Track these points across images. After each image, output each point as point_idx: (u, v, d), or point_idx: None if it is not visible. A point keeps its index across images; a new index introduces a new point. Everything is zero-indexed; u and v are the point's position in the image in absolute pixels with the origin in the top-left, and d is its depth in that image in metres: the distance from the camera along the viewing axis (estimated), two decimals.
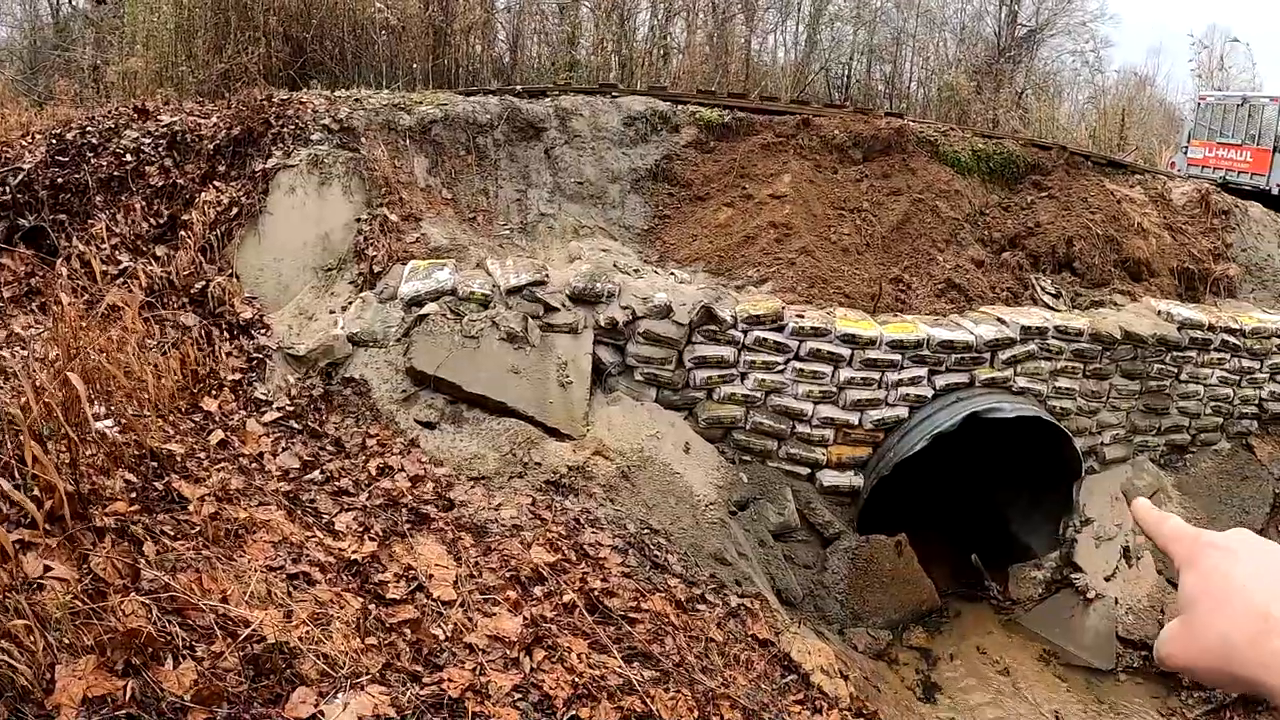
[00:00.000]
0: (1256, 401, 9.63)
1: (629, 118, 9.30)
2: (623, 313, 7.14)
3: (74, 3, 19.03)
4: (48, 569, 3.78)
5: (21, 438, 4.08)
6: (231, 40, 11.25)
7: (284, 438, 6.19)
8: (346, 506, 5.63)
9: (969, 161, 10.10)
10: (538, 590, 5.24)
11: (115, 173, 7.94)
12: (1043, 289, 9.33)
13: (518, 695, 4.43)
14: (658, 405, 7.34)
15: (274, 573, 4.66)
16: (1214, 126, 16.96)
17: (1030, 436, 8.42)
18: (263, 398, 6.54)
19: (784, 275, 8.12)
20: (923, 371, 7.86)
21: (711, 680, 5.25)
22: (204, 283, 7.22)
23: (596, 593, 5.38)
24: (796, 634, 6.40)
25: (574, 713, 4.45)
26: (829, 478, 7.73)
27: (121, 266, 7.30)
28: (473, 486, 6.13)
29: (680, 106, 9.66)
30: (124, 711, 3.36)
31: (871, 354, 7.62)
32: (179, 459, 5.33)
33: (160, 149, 8.14)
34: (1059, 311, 8.98)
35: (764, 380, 7.49)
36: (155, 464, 5.17)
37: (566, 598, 5.22)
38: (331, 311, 7.21)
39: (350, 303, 7.20)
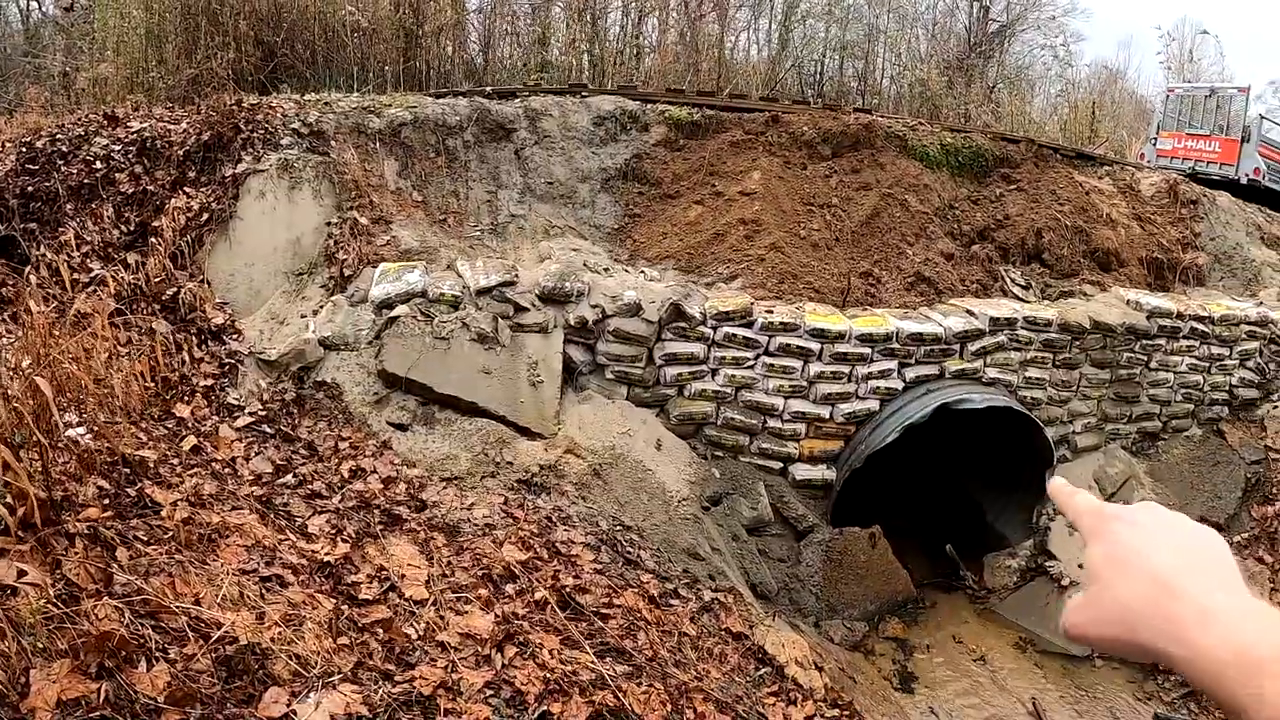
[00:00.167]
0: (1227, 388, 9.74)
1: (599, 117, 9.34)
2: (592, 311, 7.18)
3: (44, 9, 18.93)
4: (21, 574, 3.80)
5: None
6: (201, 45, 11.21)
7: (257, 442, 6.20)
8: (319, 509, 5.65)
9: (938, 155, 10.18)
10: (510, 588, 5.28)
11: (85, 180, 7.93)
12: (1012, 280, 9.41)
13: (489, 692, 4.47)
14: (629, 403, 7.38)
15: (247, 575, 4.69)
16: (1183, 118, 17.11)
17: (1002, 427, 8.51)
18: (235, 403, 6.55)
19: (754, 271, 8.18)
20: (893, 364, 7.93)
21: (685, 674, 5.29)
22: (175, 289, 7.21)
23: (569, 589, 5.41)
24: (771, 627, 6.44)
25: (545, 708, 4.49)
26: (801, 472, 7.79)
27: (93, 274, 7.28)
28: (445, 487, 6.16)
29: (650, 105, 9.70)
30: (98, 714, 3.38)
31: (841, 348, 7.68)
32: (152, 465, 5.34)
33: (130, 156, 8.13)
34: (1028, 303, 9.07)
35: (734, 376, 7.54)
36: (128, 470, 5.18)
37: (538, 595, 5.25)
38: (303, 316, 7.22)
39: (321, 306, 7.22)
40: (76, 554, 4.11)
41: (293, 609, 4.51)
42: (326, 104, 8.63)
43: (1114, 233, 10.36)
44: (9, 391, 4.64)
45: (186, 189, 7.88)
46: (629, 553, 6.19)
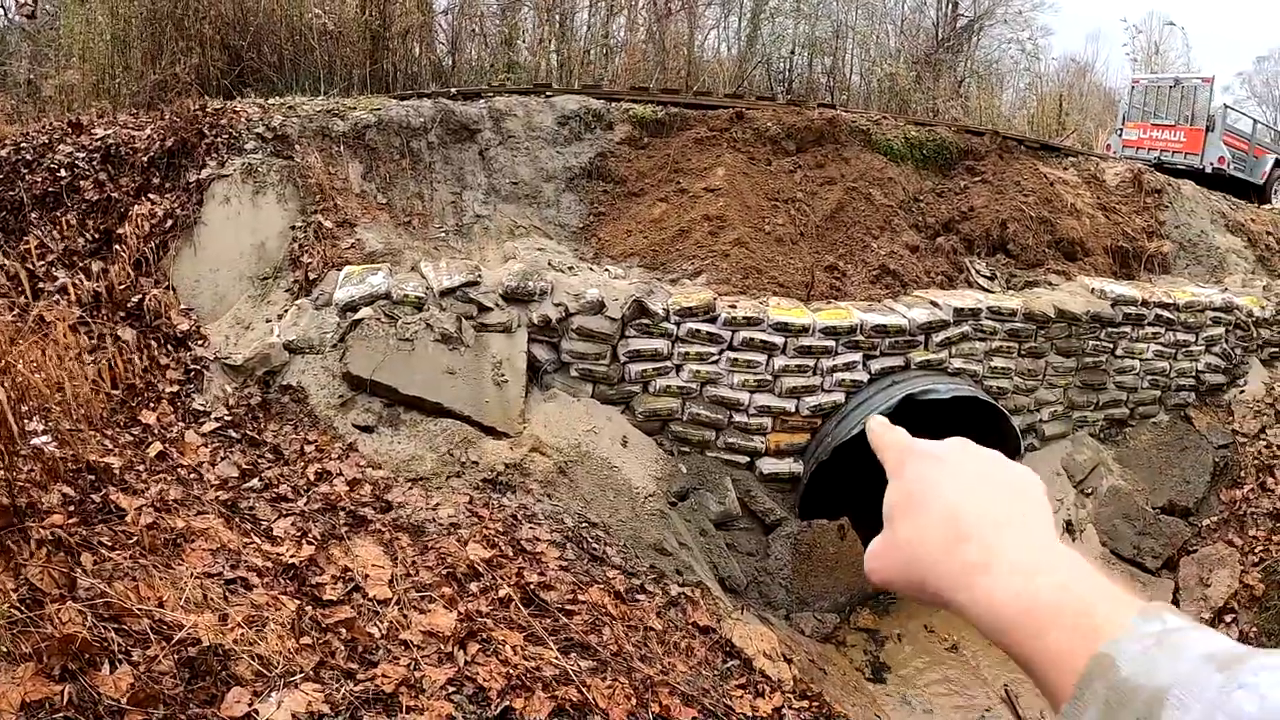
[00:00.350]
0: (1193, 374, 9.84)
1: (563, 117, 9.36)
2: (556, 310, 7.20)
3: (9, 16, 18.80)
4: None
5: None
6: (167, 50, 11.17)
7: (222, 447, 6.22)
8: (285, 512, 5.67)
9: (902, 149, 10.25)
10: (473, 586, 5.31)
11: (50, 189, 7.91)
12: (977, 271, 9.49)
13: (451, 689, 4.50)
14: (594, 400, 7.41)
15: (211, 579, 4.71)
16: (1148, 108, 17.29)
17: (970, 417, 8.57)
18: (201, 408, 6.56)
19: (718, 267, 8.22)
20: (857, 357, 7.98)
21: (650, 668, 5.33)
22: (140, 296, 7.21)
23: (533, 586, 5.45)
24: (739, 620, 6.49)
25: (508, 703, 4.52)
26: (768, 465, 7.83)
27: (57, 282, 7.28)
28: (411, 487, 6.19)
29: (614, 104, 9.73)
30: (62, 715, 3.41)
31: (805, 341, 7.73)
32: (117, 471, 5.36)
33: (94, 163, 8.11)
34: (993, 293, 9.14)
35: (699, 371, 7.58)
36: (93, 477, 5.20)
37: (502, 592, 5.28)
38: (268, 320, 7.23)
39: (286, 310, 7.23)
40: (40, 559, 4.13)
41: (256, 610, 4.54)
42: (291, 108, 8.63)
43: (1079, 222, 10.45)
44: None
45: (151, 195, 7.87)
46: (595, 549, 6.23)
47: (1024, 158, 11.04)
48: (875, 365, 8.08)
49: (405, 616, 4.91)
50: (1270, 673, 0.62)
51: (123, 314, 7.12)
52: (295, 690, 4.08)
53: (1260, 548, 8.58)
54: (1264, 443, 9.54)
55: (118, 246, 7.51)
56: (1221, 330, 9.86)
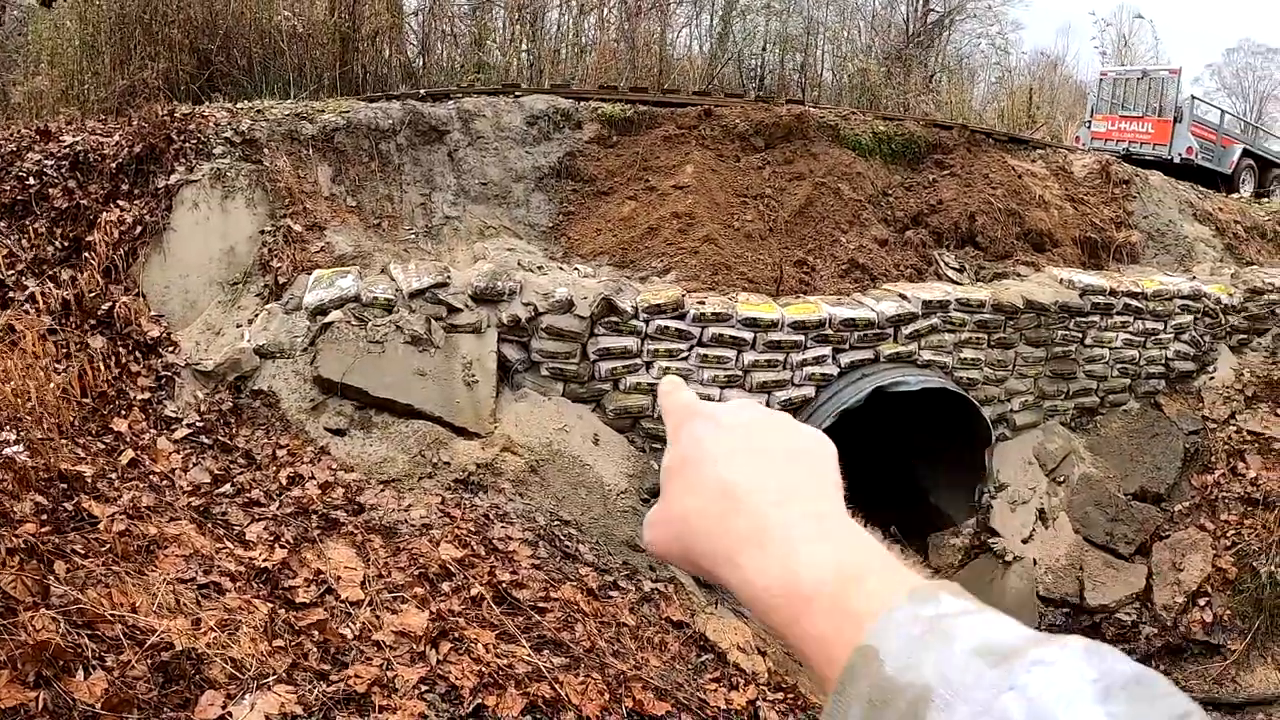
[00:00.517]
0: (1163, 361, 9.92)
1: (531, 116, 9.39)
2: (525, 309, 7.23)
3: None
4: None
5: None
6: (135, 55, 11.14)
7: (195, 453, 6.23)
8: (257, 517, 5.69)
9: (870, 144, 10.31)
10: (445, 586, 5.35)
11: (19, 197, 7.89)
12: (946, 264, 9.57)
13: (424, 687, 4.54)
14: (565, 399, 7.44)
15: (184, 584, 4.74)
16: (1116, 100, 17.46)
17: (942, 408, 8.65)
18: (173, 415, 6.57)
19: (687, 264, 8.27)
20: (827, 350, 8.04)
21: (623, 663, 5.37)
22: (110, 303, 7.20)
23: (505, 585, 5.49)
24: (712, 614, 6.53)
25: (480, 701, 4.56)
26: None
27: (27, 292, 7.27)
28: (383, 489, 6.22)
29: (583, 103, 9.77)
30: None
31: (774, 336, 7.78)
32: (89, 479, 5.38)
33: (63, 170, 8.10)
34: (962, 285, 9.22)
35: (668, 368, 7.60)
36: (65, 485, 5.22)
37: (474, 591, 5.32)
38: (238, 325, 7.24)
39: (256, 315, 7.24)
40: (13, 568, 4.15)
41: (229, 614, 4.56)
42: (259, 111, 8.63)
43: (1047, 214, 10.55)
44: None
45: (120, 202, 7.86)
46: (567, 547, 6.27)
47: (992, 151, 11.13)
48: (845, 359, 8.14)
49: (378, 617, 4.94)
50: (1043, 670, 0.56)
51: (93, 322, 7.11)
52: (268, 692, 4.12)
53: (1232, 531, 8.68)
54: (1234, 428, 9.64)
55: (87, 254, 7.50)
56: (1190, 318, 9.95)
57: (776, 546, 0.74)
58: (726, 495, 0.79)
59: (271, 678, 4.20)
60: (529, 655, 4.99)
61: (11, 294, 7.14)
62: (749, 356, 7.77)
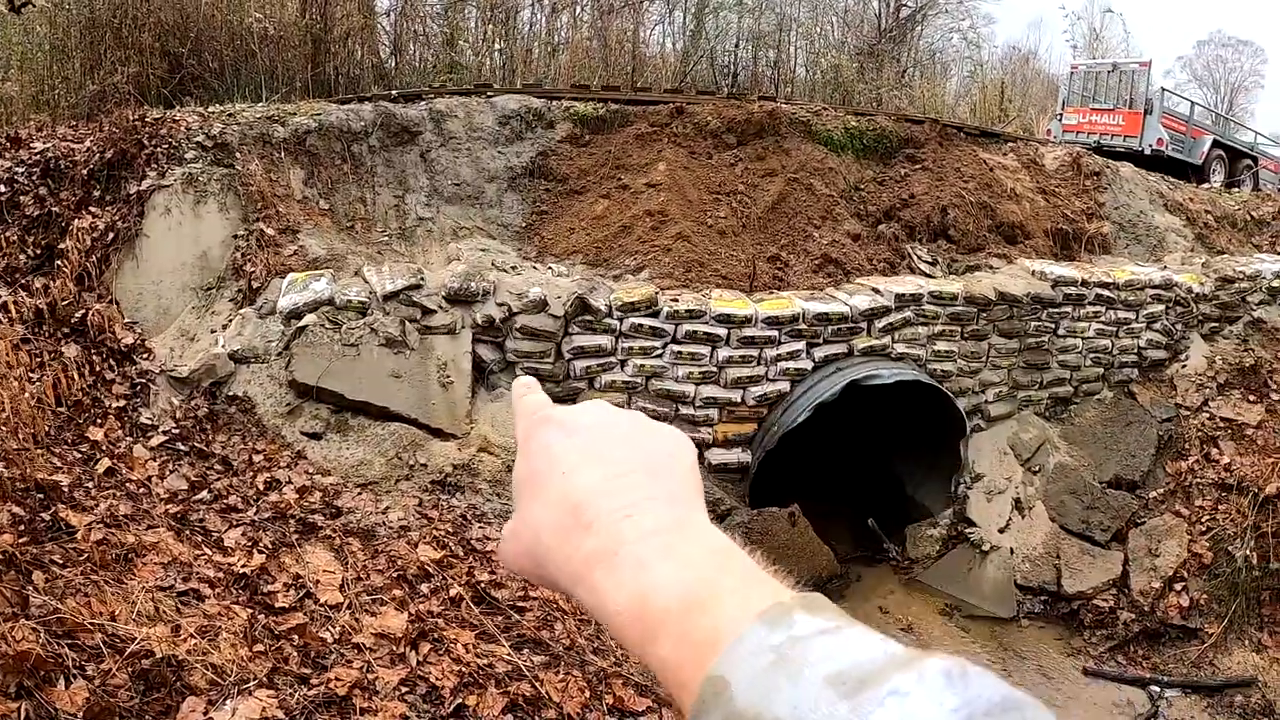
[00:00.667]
0: (1135, 350, 9.99)
1: (504, 116, 9.40)
2: (499, 310, 7.25)
3: None
4: None
5: None
6: (106, 60, 11.07)
7: (171, 460, 6.23)
8: (235, 522, 5.70)
9: (842, 139, 10.38)
10: (424, 587, 5.37)
11: None
12: (919, 257, 9.63)
13: (405, 689, 4.56)
14: None
15: (163, 591, 4.75)
16: (1087, 93, 17.58)
17: (917, 400, 8.71)
18: (148, 422, 6.56)
19: (661, 262, 8.30)
20: (801, 345, 8.08)
21: (603, 660, 5.41)
22: (83, 311, 7.18)
23: (484, 585, 5.51)
24: None
25: (461, 701, 4.59)
26: (717, 456, 7.92)
27: (0, 301, 7.24)
28: (360, 492, 6.23)
29: (555, 102, 9.79)
30: None
31: (748, 332, 7.82)
32: (66, 489, 5.38)
33: (34, 178, 8.06)
34: (934, 278, 9.28)
35: (643, 366, 7.65)
36: (42, 495, 5.22)
37: (453, 592, 5.35)
38: (213, 331, 7.23)
39: (230, 320, 7.23)
40: None
41: (209, 621, 4.58)
42: (231, 115, 8.60)
43: (1019, 206, 10.62)
44: None
45: (92, 209, 7.83)
46: None
47: (964, 144, 11.21)
48: (819, 353, 8.18)
49: (357, 620, 4.96)
50: (897, 702, 0.52)
51: (66, 330, 7.08)
52: (249, 697, 4.14)
53: (1207, 517, 8.74)
54: (1206, 415, 9.71)
55: (59, 262, 7.47)
56: (1162, 307, 10.02)
57: (625, 566, 0.70)
58: (575, 510, 0.75)
59: (252, 683, 4.22)
60: (509, 654, 5.02)
61: None
62: (723, 353, 7.81)
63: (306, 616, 4.89)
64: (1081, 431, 9.68)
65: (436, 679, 4.65)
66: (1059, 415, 9.75)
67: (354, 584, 5.23)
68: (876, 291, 8.58)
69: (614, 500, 0.74)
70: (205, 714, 3.99)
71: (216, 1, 11.95)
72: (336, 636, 4.80)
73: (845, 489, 9.53)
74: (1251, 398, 9.81)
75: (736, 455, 7.96)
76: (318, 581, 5.18)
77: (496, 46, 15.16)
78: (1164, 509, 8.98)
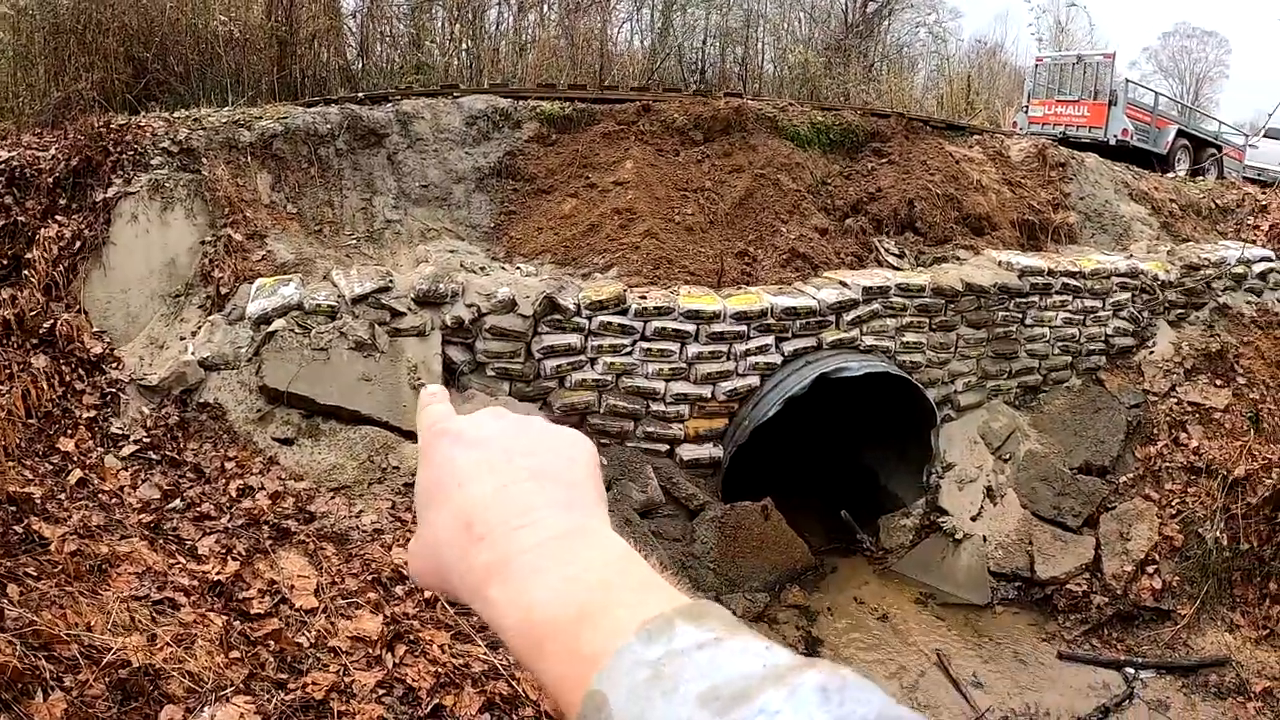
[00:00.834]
0: (1103, 338, 10.09)
1: (471, 117, 9.41)
2: (468, 311, 7.27)
3: None
4: None
5: None
6: (70, 66, 10.99)
7: (143, 469, 6.22)
8: (209, 530, 5.70)
9: (809, 134, 10.44)
10: (399, 589, 5.39)
11: None
12: (886, 250, 9.70)
13: (382, 691, 4.58)
14: (511, 398, 7.46)
15: (138, 601, 4.75)
16: (1052, 85, 17.74)
17: (887, 392, 8.79)
18: (119, 432, 6.54)
19: (629, 259, 8.34)
20: (769, 340, 8.14)
21: None
22: (52, 321, 7.14)
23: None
24: None
25: (438, 701, 4.61)
26: (688, 452, 7.97)
27: None
28: (333, 497, 6.24)
29: (522, 102, 9.80)
30: None
31: (717, 327, 7.87)
32: (38, 501, 5.36)
33: None
34: (902, 270, 9.35)
35: (613, 363, 7.69)
36: (14, 508, 5.21)
37: (428, 593, 5.36)
38: (182, 338, 7.21)
39: (200, 327, 7.21)
40: None
41: (184, 629, 4.58)
42: (196, 120, 8.57)
43: (985, 198, 10.71)
44: None
45: (58, 217, 7.79)
46: None
47: (930, 138, 11.29)
48: (788, 347, 8.25)
49: (333, 624, 4.97)
50: None
51: (35, 341, 7.04)
52: (227, 704, 4.15)
53: (1177, 500, 8.85)
54: (1174, 400, 9.81)
55: (27, 271, 7.43)
56: (1128, 295, 10.13)
57: (516, 580, 0.69)
58: (470, 523, 0.75)
59: (229, 689, 4.23)
60: (485, 654, 5.04)
61: None
62: (693, 349, 7.86)
63: (282, 622, 4.90)
64: (1051, 419, 9.77)
65: (413, 680, 4.67)
66: (1028, 403, 9.85)
67: (329, 588, 5.24)
68: (844, 285, 8.64)
69: (506, 511, 0.74)
70: None
71: (181, 4, 11.86)
72: (312, 641, 4.81)
73: (818, 482, 9.60)
74: (1218, 382, 9.93)
75: (708, 450, 8.02)
76: (292, 587, 5.19)
77: (463, 46, 15.13)
78: (1134, 493, 9.07)
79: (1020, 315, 9.57)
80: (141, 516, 5.66)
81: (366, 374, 6.90)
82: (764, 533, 7.99)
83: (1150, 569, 8.51)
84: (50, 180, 7.96)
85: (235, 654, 4.54)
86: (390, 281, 7.24)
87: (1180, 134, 17.55)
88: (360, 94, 10.05)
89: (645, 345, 7.78)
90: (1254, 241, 11.83)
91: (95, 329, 7.32)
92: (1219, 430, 9.39)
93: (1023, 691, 7.53)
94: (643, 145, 9.56)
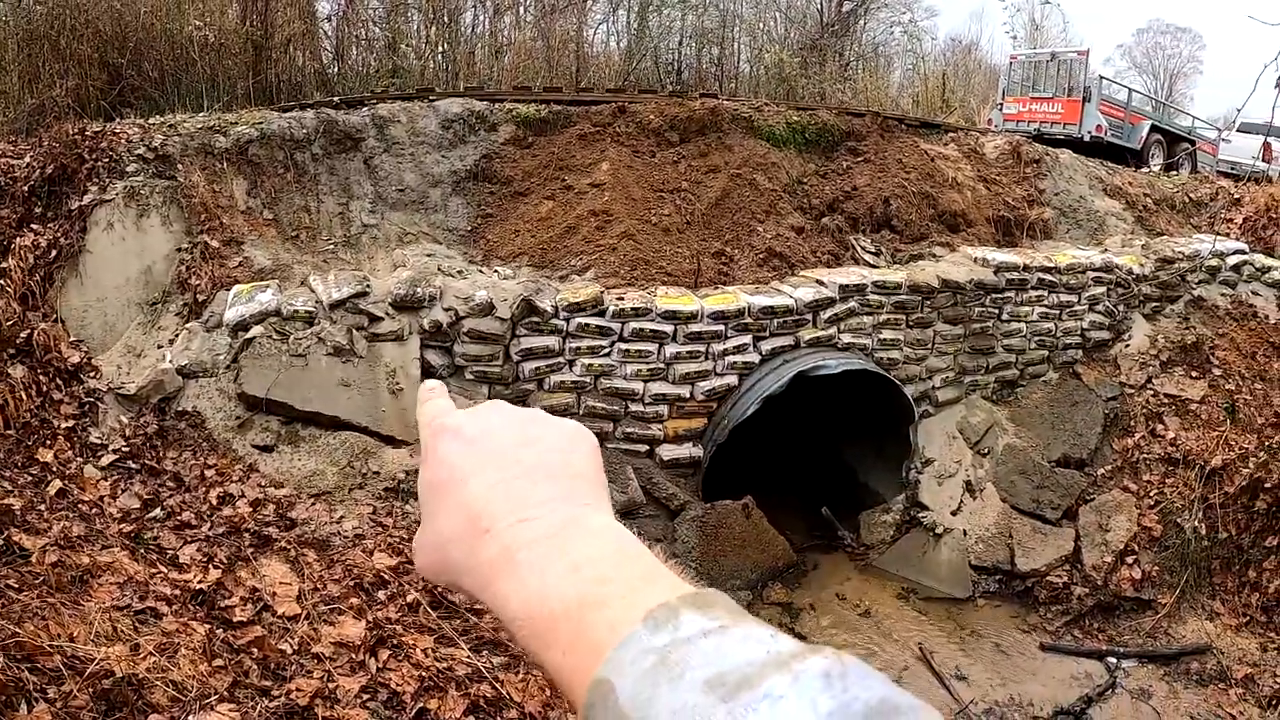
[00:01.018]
0: (1079, 332, 10.16)
1: (447, 120, 9.41)
2: (446, 314, 7.27)
3: None
4: None
5: None
6: (44, 73, 10.94)
7: (122, 479, 6.20)
8: (190, 539, 5.69)
9: (784, 134, 10.48)
10: (381, 594, 5.40)
11: None
12: (863, 248, 9.75)
13: (366, 696, 4.60)
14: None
15: (120, 611, 4.75)
16: (1026, 82, 17.88)
17: (866, 389, 8.83)
18: (98, 441, 6.51)
19: (606, 261, 8.36)
20: (747, 339, 8.16)
21: None
22: (29, 331, 7.11)
23: (440, 589, 5.54)
24: None
25: (422, 705, 4.63)
26: (668, 452, 7.99)
27: None
28: (314, 503, 6.24)
29: (497, 105, 9.80)
30: None
31: (695, 327, 7.89)
32: (17, 512, 5.35)
33: None
34: (878, 268, 9.40)
35: (592, 365, 7.71)
36: None
37: (410, 598, 5.38)
38: (160, 346, 7.19)
39: (177, 335, 7.20)
40: None
41: (167, 638, 4.58)
42: (171, 126, 8.54)
43: (960, 195, 10.77)
44: None
45: (34, 225, 7.76)
46: None
47: (905, 136, 11.34)
48: (766, 346, 8.27)
49: (315, 630, 4.98)
50: (770, 706, 0.53)
51: (12, 351, 7.00)
52: (211, 712, 4.16)
53: (1155, 491, 8.92)
54: (1151, 392, 9.88)
55: (2, 281, 7.39)
56: (1104, 289, 10.19)
57: (521, 573, 0.71)
58: (474, 519, 0.77)
59: (214, 697, 4.24)
60: (468, 657, 5.06)
61: None
62: (671, 349, 7.88)
63: (265, 629, 4.91)
64: (1029, 413, 9.84)
65: (397, 684, 4.68)
66: (1006, 398, 9.90)
67: (311, 595, 5.25)
68: (821, 283, 8.68)
69: (510, 505, 0.76)
70: None
71: (155, 10, 11.83)
72: (296, 647, 4.82)
73: (798, 479, 9.65)
74: (1194, 374, 10.00)
75: (688, 450, 8.04)
76: (274, 594, 5.19)
77: (439, 50, 15.13)
78: (1113, 485, 9.15)
79: (997, 311, 9.63)
80: (122, 526, 5.65)
81: (345, 379, 6.90)
82: (745, 531, 8.03)
83: (1130, 559, 8.58)
84: (25, 188, 7.92)
85: (219, 662, 4.54)
86: (368, 286, 7.24)
87: (1154, 129, 17.71)
88: (336, 98, 10.04)
89: (623, 346, 7.79)
90: (1227, 234, 11.91)
91: (72, 338, 7.29)
92: (1195, 421, 9.46)
93: (1006, 683, 7.59)
94: (619, 147, 9.58)
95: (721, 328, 8.01)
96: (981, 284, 9.43)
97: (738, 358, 8.13)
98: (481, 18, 16.90)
